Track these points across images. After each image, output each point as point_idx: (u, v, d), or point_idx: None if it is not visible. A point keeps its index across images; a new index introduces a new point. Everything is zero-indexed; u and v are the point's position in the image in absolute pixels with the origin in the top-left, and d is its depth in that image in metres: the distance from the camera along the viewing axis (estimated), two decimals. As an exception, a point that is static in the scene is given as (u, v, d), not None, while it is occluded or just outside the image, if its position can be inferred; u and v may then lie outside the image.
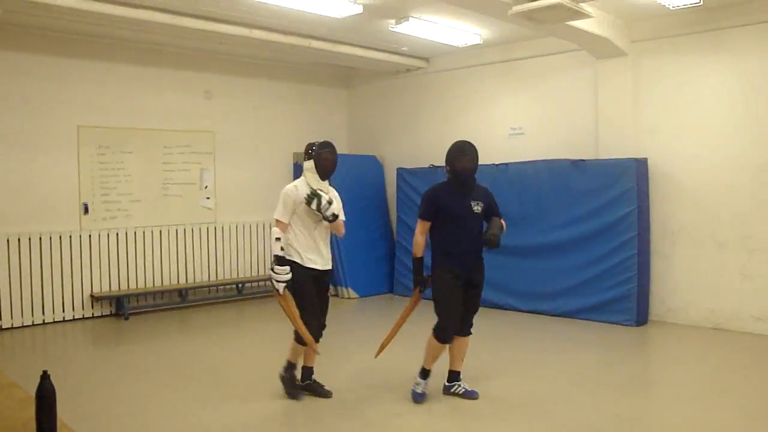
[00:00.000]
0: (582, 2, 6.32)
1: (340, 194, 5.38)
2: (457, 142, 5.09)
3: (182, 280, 9.46)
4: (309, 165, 5.13)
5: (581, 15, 6.49)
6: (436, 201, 5.01)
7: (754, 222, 7.30)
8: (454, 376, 5.26)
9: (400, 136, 10.82)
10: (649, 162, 7.95)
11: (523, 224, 8.40)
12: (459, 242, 4.97)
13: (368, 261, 10.25)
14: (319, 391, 5.28)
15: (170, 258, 9.35)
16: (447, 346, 5.07)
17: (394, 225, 10.64)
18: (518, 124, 9.31)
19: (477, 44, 8.93)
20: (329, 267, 5.24)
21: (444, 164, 5.09)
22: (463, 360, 5.24)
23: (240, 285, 9.80)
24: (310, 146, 5.17)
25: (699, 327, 7.63)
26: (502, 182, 8.63)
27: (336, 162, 5.21)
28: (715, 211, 7.59)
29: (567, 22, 6.87)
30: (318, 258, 5.13)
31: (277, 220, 5.05)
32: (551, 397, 5.27)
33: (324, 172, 5.14)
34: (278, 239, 4.94)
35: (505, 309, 8.66)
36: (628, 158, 7.88)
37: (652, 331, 7.63)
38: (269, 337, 7.65)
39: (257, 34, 8.18)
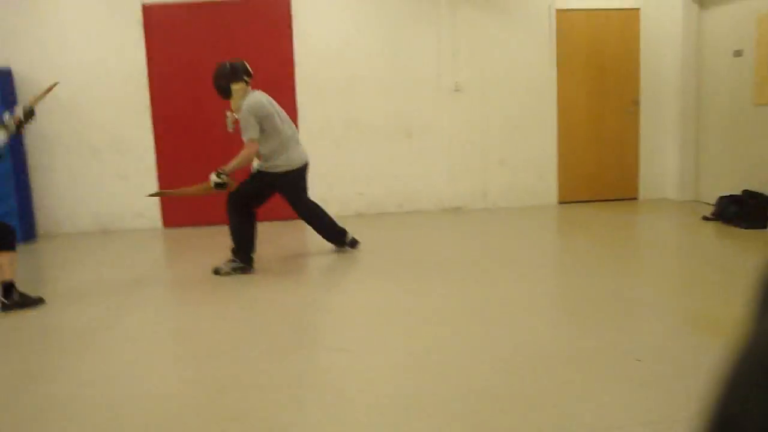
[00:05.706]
0: None
1: None
2: None
3: None
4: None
5: None
6: None
7: (123, 127, 7.76)
8: None
9: None
10: (14, 71, 7.58)
11: None
12: None
13: None
14: None
15: None
16: None
17: None
18: None
19: None
20: None
21: None
22: None
23: None
24: None
25: (87, 232, 7.89)
26: None
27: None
28: (89, 119, 7.76)
29: None
30: None
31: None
32: None
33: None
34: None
35: None
36: (-8, 68, 7.33)
37: (43, 246, 7.45)
38: None
39: None
